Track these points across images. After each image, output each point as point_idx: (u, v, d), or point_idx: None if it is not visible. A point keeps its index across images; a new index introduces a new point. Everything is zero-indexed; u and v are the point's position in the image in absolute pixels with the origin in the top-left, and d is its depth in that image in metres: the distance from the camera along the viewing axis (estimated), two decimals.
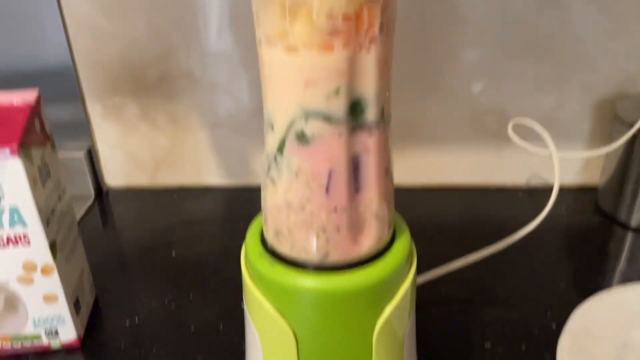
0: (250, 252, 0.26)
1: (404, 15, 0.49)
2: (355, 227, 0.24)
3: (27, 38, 0.51)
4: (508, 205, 0.55)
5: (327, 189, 0.23)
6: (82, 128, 0.56)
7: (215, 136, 0.56)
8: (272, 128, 0.23)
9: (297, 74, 0.21)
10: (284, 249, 0.25)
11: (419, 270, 0.41)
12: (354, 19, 0.20)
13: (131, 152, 0.57)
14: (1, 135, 0.33)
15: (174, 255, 0.49)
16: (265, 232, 0.26)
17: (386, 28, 0.21)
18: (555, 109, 0.52)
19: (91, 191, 0.59)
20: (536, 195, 0.56)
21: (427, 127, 0.55)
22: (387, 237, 0.26)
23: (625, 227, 0.51)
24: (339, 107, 0.22)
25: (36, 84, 0.53)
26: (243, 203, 0.56)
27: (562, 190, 0.56)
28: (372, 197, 0.24)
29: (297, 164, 0.23)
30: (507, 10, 0.48)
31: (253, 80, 0.53)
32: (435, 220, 0.53)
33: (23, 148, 0.33)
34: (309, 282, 0.24)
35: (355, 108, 0.22)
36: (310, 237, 0.24)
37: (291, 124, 0.22)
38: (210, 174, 0.58)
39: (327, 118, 0.22)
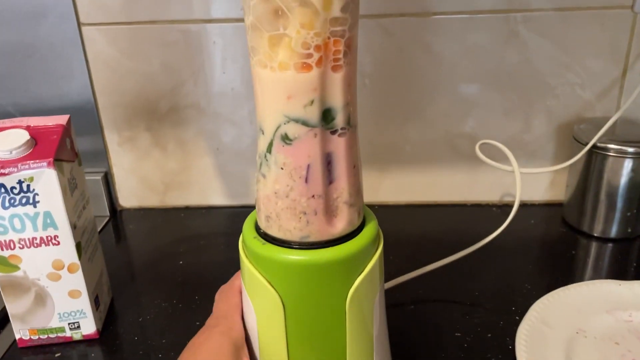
0: (246, 235, 0.32)
1: (385, 52, 0.56)
2: (330, 212, 0.30)
3: (54, 75, 0.59)
4: (483, 219, 0.60)
5: (307, 180, 0.29)
6: (100, 155, 0.63)
7: (219, 161, 0.62)
8: (263, 132, 0.29)
9: (281, 88, 0.28)
10: (273, 231, 0.31)
11: (401, 272, 0.47)
12: (323, 47, 0.27)
13: (143, 175, 0.64)
14: (39, 150, 0.39)
15: (181, 263, 0.54)
16: (258, 219, 0.32)
17: (349, 54, 0.28)
18: (521, 132, 0.59)
19: (107, 211, 0.65)
20: (508, 210, 0.61)
21: (409, 151, 0.61)
22: (357, 221, 0.32)
23: (589, 236, 0.56)
24: (313, 114, 0.28)
25: (60, 112, 0.60)
26: (243, 220, 0.62)
27: (531, 206, 0.62)
28: (343, 187, 0.30)
29: (282, 160, 0.29)
30: (475, 46, 0.55)
31: (253, 110, 0.60)
32: (417, 233, 0.59)
33: (57, 162, 0.39)
34: (292, 257, 0.30)
35: (326, 115, 0.28)
36: (294, 219, 0.30)
37: (277, 128, 0.28)
38: (214, 194, 0.64)
39: (305, 123, 0.28)
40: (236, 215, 0.63)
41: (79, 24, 0.57)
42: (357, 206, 0.31)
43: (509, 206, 0.62)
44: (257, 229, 0.33)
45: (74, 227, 0.41)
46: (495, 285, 0.49)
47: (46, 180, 0.39)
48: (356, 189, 0.31)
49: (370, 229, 0.32)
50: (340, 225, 0.30)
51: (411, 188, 0.63)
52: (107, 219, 0.64)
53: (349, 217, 0.31)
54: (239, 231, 0.61)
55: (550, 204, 0.62)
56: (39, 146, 0.40)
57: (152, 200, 0.65)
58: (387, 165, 0.62)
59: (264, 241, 0.31)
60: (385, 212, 0.63)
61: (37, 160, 0.39)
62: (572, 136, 0.56)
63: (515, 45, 0.55)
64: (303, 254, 0.30)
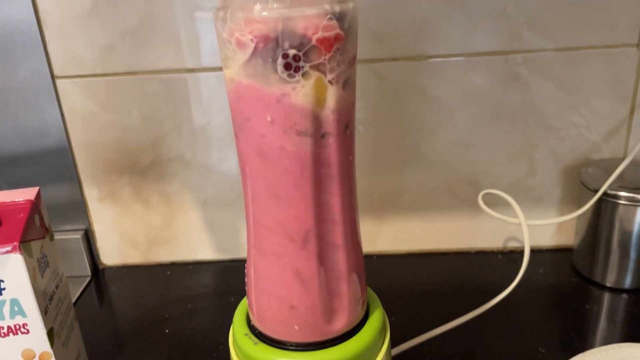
0: (236, 332, 0.29)
1: (378, 98, 0.53)
2: (329, 310, 0.26)
3: (28, 131, 0.55)
4: (488, 268, 0.57)
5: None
6: (80, 211, 0.59)
7: (206, 214, 0.59)
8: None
9: None
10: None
11: (405, 336, 0.43)
12: None
13: (126, 232, 0.60)
14: (4, 232, 0.36)
15: (167, 332, 0.50)
16: (250, 312, 0.28)
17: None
18: (525, 176, 0.56)
19: (88, 270, 0.61)
20: (514, 257, 0.58)
21: (407, 197, 0.58)
22: (360, 313, 0.28)
23: (601, 287, 0.53)
24: None
25: (36, 168, 0.57)
26: (233, 276, 0.58)
27: (539, 252, 0.58)
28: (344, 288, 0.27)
29: None
30: (473, 89, 0.52)
31: None
32: (420, 286, 0.56)
33: (23, 244, 0.35)
34: None
35: None
36: None
37: None
38: (202, 249, 0.61)
39: None
40: (225, 270, 0.60)
41: (53, 77, 0.53)
42: (361, 299, 0.28)
43: (515, 252, 0.59)
44: (249, 321, 0.29)
45: (44, 312, 0.37)
46: (507, 349, 0.46)
47: (12, 266, 0.35)
48: (360, 283, 0.27)
49: (376, 319, 0.29)
50: (340, 324, 0.27)
51: (411, 236, 0.60)
52: (88, 278, 0.60)
53: (351, 313, 0.27)
54: (228, 290, 0.58)
55: (558, 249, 0.59)
56: (4, 227, 0.36)
57: (135, 257, 0.61)
58: (384, 214, 0.59)
59: (256, 340, 0.27)
60: (384, 263, 0.59)
61: (2, 245, 0.35)
62: (579, 180, 0.53)
63: (516, 87, 0.52)
64: (299, 357, 0.26)
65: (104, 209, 0.59)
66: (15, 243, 0.35)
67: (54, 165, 0.57)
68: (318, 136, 0.24)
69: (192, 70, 0.53)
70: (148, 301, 0.56)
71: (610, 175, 0.49)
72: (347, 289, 0.27)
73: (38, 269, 0.37)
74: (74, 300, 0.57)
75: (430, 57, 0.52)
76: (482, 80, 0.52)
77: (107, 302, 0.58)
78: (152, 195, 0.58)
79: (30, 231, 0.37)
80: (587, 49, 0.51)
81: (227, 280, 0.58)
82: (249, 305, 0.28)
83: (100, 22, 0.51)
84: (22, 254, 0.35)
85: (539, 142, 0.54)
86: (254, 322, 0.28)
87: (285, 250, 0.25)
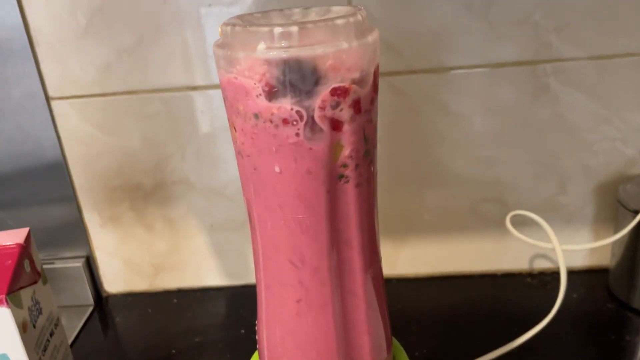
0: None
1: (396, 114, 0.49)
2: None
3: (23, 157, 0.52)
4: (517, 293, 0.53)
5: None
6: (80, 238, 0.56)
7: (213, 239, 0.55)
8: None
9: None
10: None
11: None
12: None
13: (130, 258, 0.57)
14: None
15: None
16: None
17: None
18: (555, 194, 0.52)
19: (90, 299, 0.58)
20: (545, 279, 0.54)
21: (427, 218, 0.54)
22: None
23: None
24: None
25: (33, 195, 0.54)
26: (243, 304, 0.55)
27: (571, 273, 0.54)
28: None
29: None
30: (498, 103, 0.48)
31: None
32: (444, 314, 0.52)
33: (11, 295, 0.32)
34: None
35: None
36: None
37: None
38: (209, 275, 0.57)
39: None
40: (235, 297, 0.56)
41: (48, 99, 0.50)
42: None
43: (545, 275, 0.55)
44: None
45: None
46: None
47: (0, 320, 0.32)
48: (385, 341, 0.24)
49: None
50: None
51: (432, 258, 0.56)
52: (91, 308, 0.57)
53: None
54: (238, 321, 0.54)
55: (593, 270, 0.54)
56: None
57: (140, 284, 0.58)
58: (403, 235, 0.55)
59: None
60: (404, 287, 0.56)
61: None
62: (616, 198, 0.49)
63: (545, 99, 0.48)
64: None
65: (105, 235, 0.56)
66: (2, 296, 0.32)
67: (52, 191, 0.54)
68: None
69: (193, 88, 0.49)
70: (154, 334, 0.53)
71: None
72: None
73: (29, 319, 0.34)
74: (76, 331, 0.54)
75: (451, 68, 0.48)
76: (507, 93, 0.48)
77: (111, 334, 0.55)
78: (156, 220, 0.55)
79: (20, 279, 0.34)
80: (623, 57, 0.46)
81: (237, 309, 0.55)
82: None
83: (96, 40, 0.48)
84: (9, 307, 0.32)
85: (569, 157, 0.50)
86: None
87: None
